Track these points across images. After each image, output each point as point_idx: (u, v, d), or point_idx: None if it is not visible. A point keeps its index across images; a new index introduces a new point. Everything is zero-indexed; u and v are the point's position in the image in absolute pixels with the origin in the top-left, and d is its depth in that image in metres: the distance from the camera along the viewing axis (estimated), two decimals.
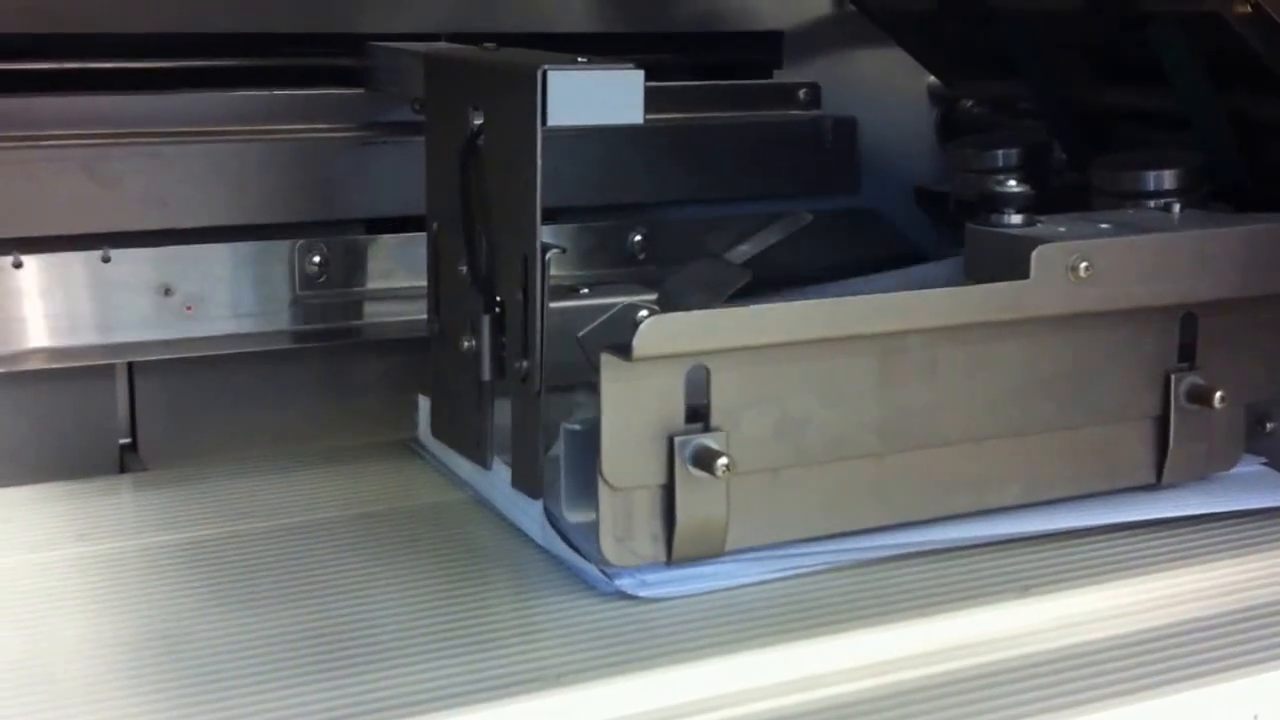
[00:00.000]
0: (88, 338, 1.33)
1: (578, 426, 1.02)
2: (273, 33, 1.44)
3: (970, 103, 1.74)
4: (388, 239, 1.43)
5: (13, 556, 1.10)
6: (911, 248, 1.66)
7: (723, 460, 0.99)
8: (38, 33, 1.35)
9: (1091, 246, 1.10)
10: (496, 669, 0.93)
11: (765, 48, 1.68)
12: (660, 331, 0.98)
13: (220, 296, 1.37)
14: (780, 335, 1.02)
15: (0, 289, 1.30)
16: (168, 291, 1.35)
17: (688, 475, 1.01)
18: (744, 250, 1.33)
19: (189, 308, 1.35)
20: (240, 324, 1.38)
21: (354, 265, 1.42)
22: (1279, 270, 1.16)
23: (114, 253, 1.33)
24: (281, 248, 1.39)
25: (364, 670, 0.93)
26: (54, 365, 1.31)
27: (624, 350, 0.97)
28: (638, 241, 1.53)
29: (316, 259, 1.39)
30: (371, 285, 1.43)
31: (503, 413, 1.16)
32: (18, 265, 1.30)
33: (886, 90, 1.73)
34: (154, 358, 1.35)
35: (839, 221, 1.64)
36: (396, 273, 1.43)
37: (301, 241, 1.39)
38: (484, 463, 1.18)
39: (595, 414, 0.99)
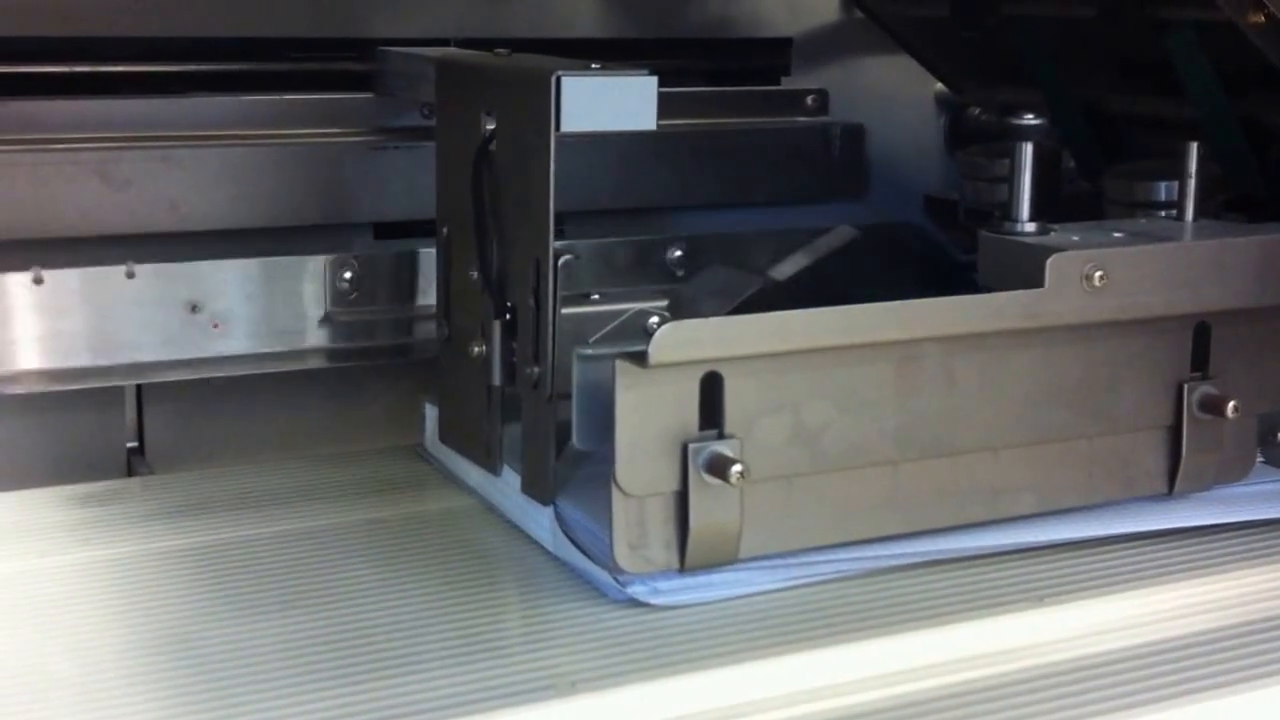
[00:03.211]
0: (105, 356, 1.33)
1: (590, 352, 1.02)
2: (284, 37, 1.44)
3: (978, 110, 1.74)
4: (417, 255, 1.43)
5: (21, 560, 1.10)
6: (959, 265, 1.66)
7: (737, 467, 0.99)
8: (49, 36, 1.35)
9: (1106, 255, 1.10)
10: (508, 676, 0.93)
11: (774, 54, 1.68)
12: (676, 338, 0.98)
13: (246, 314, 1.36)
14: (796, 342, 1.02)
15: (21, 303, 1.30)
16: (195, 309, 1.34)
17: (702, 482, 1.00)
18: (786, 268, 1.33)
19: (216, 324, 1.35)
20: (262, 343, 1.37)
21: (381, 283, 1.42)
22: None
23: (138, 268, 1.32)
24: (312, 264, 1.39)
25: (373, 678, 0.92)
26: (67, 387, 1.31)
27: (640, 357, 0.97)
28: (676, 257, 1.52)
29: (348, 275, 1.39)
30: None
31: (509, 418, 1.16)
32: (38, 281, 1.29)
33: (894, 97, 1.73)
34: (172, 378, 1.35)
35: (881, 237, 1.64)
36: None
37: (332, 257, 1.39)
38: (493, 469, 1.17)
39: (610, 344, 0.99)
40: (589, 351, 1.02)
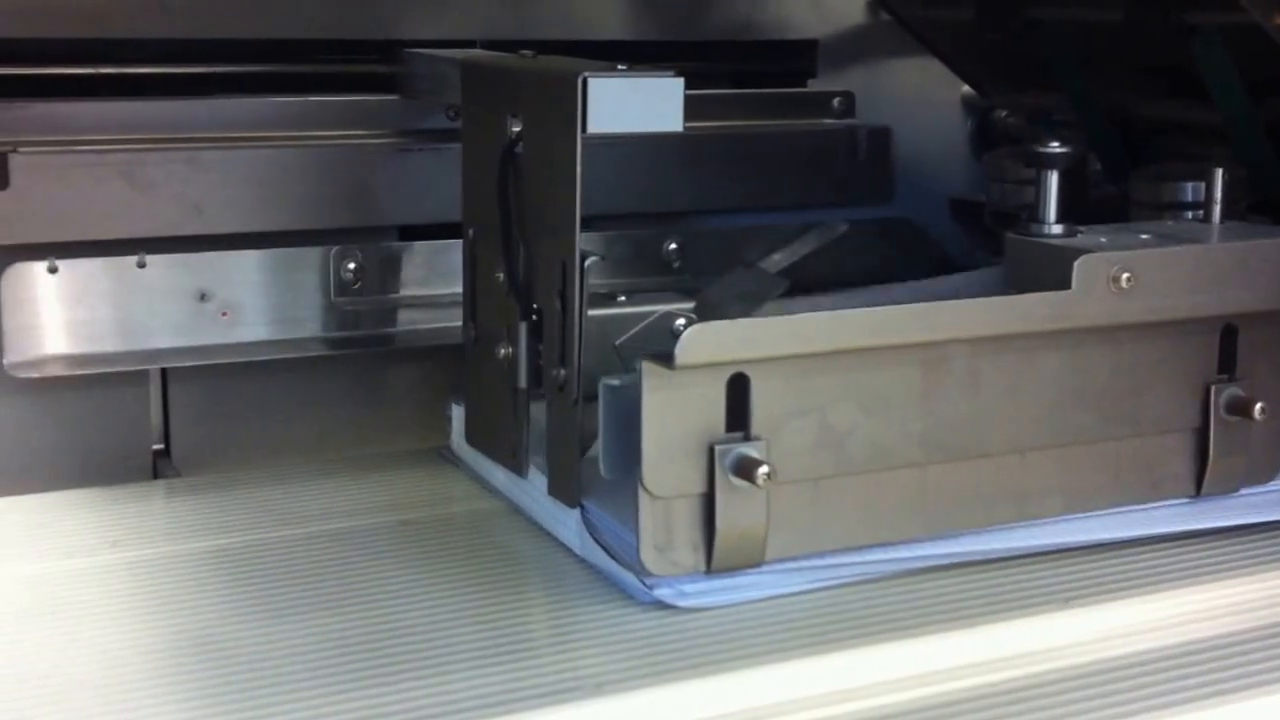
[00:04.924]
0: (121, 343, 1.33)
1: (616, 383, 1.02)
2: (309, 39, 1.44)
3: (1005, 113, 1.74)
4: (422, 245, 1.43)
5: (48, 563, 1.10)
6: (950, 258, 1.66)
7: (764, 469, 0.99)
8: (74, 37, 1.35)
9: (1133, 257, 1.10)
10: (534, 678, 0.93)
11: (800, 56, 1.67)
12: (703, 340, 0.98)
13: (256, 303, 1.37)
14: (822, 344, 1.02)
15: (36, 293, 1.30)
16: (203, 297, 1.34)
17: (728, 484, 1.00)
18: (778, 259, 1.33)
19: (225, 313, 1.35)
20: (275, 330, 1.37)
21: (389, 272, 1.42)
22: None
23: (149, 258, 1.33)
24: (317, 254, 1.39)
25: (400, 679, 0.92)
26: (85, 371, 1.31)
27: (666, 359, 0.97)
28: (673, 250, 1.52)
29: (352, 266, 1.39)
30: (406, 292, 1.43)
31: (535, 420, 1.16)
32: (53, 270, 1.29)
33: (921, 100, 1.73)
34: (188, 364, 1.35)
35: (875, 232, 1.64)
36: (431, 280, 1.43)
37: (336, 248, 1.39)
38: (520, 471, 1.17)
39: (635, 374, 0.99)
40: (615, 382, 1.02)
